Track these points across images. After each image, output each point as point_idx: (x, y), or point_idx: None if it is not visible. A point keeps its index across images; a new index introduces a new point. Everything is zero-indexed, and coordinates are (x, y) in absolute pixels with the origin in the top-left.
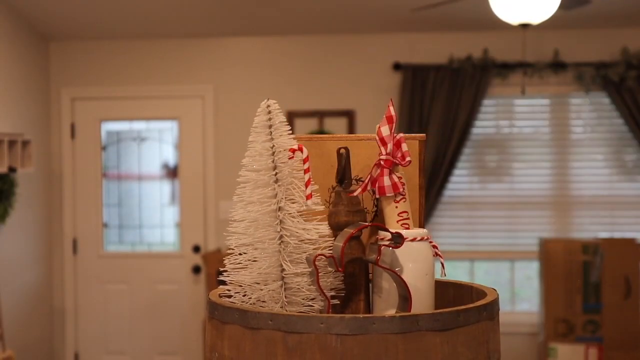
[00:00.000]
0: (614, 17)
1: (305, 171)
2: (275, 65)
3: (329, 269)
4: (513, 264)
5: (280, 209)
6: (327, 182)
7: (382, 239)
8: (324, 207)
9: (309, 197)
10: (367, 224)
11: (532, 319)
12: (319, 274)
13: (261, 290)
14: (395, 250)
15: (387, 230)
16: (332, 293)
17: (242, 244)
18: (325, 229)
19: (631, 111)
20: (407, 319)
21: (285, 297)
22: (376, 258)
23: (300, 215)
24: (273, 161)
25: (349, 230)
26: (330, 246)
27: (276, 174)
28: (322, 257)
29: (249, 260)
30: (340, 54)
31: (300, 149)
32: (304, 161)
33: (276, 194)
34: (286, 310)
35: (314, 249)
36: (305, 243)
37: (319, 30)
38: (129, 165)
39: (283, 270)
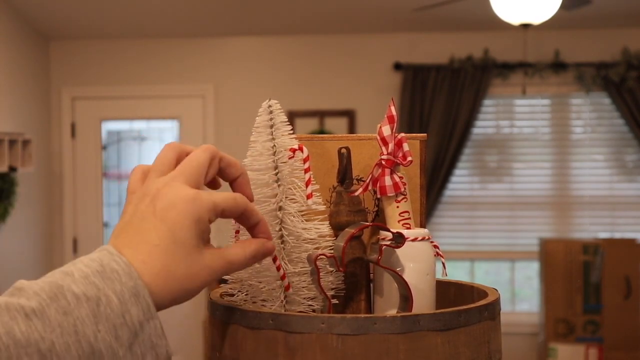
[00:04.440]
0: (614, 18)
1: (306, 170)
2: (275, 65)
3: (329, 268)
4: (513, 264)
5: (280, 208)
6: (328, 182)
7: (382, 239)
8: (324, 206)
9: (309, 196)
10: (369, 223)
11: (532, 319)
12: (320, 274)
13: (262, 289)
14: (396, 250)
15: (388, 230)
16: (332, 293)
17: None
18: (325, 228)
19: (632, 111)
20: (408, 319)
21: (285, 296)
22: (377, 258)
23: (301, 214)
24: (274, 161)
25: (351, 230)
26: (331, 246)
27: (277, 173)
28: (324, 256)
29: None
30: (341, 53)
31: (301, 149)
32: (304, 161)
33: (277, 194)
34: (286, 310)
35: (314, 248)
36: (306, 242)
37: (319, 30)
38: (130, 164)
39: (284, 269)
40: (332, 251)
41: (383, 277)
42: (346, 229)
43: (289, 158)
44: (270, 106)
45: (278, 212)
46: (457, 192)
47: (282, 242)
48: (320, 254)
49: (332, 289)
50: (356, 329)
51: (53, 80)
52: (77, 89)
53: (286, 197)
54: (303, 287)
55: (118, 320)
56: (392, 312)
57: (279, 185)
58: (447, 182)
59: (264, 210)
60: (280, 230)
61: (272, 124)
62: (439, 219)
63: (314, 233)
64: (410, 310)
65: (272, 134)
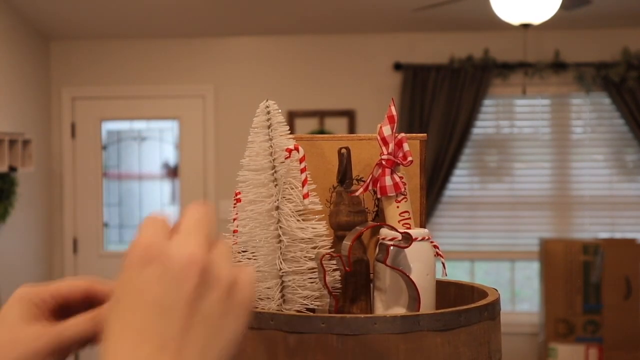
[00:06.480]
0: (614, 18)
1: (302, 170)
2: (275, 65)
3: (328, 268)
4: (513, 264)
5: (277, 207)
6: (328, 182)
7: (383, 239)
8: (321, 206)
9: (305, 196)
10: (376, 223)
11: (532, 319)
12: (326, 273)
13: (259, 288)
14: (399, 250)
15: (396, 230)
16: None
17: (240, 242)
18: (321, 228)
19: (632, 111)
20: (408, 319)
21: (282, 295)
22: (384, 257)
23: (298, 214)
24: (270, 161)
25: (359, 229)
26: (327, 245)
27: (273, 173)
28: (329, 256)
29: (247, 259)
30: (341, 53)
31: (297, 149)
32: (300, 161)
33: (273, 194)
34: (283, 309)
35: (312, 247)
36: (303, 242)
37: (319, 30)
38: (130, 164)
39: (280, 269)
40: (334, 250)
41: (383, 277)
42: (356, 227)
43: (286, 158)
44: (267, 107)
45: (274, 212)
46: (457, 192)
47: (279, 242)
48: (327, 253)
49: (332, 287)
50: (356, 329)
51: (53, 80)
52: (77, 89)
53: (283, 197)
54: (299, 286)
55: None
56: (393, 311)
57: (275, 185)
58: (447, 182)
59: (260, 210)
60: (276, 229)
61: (270, 124)
62: (439, 219)
63: (310, 233)
64: (419, 310)
65: (269, 135)
